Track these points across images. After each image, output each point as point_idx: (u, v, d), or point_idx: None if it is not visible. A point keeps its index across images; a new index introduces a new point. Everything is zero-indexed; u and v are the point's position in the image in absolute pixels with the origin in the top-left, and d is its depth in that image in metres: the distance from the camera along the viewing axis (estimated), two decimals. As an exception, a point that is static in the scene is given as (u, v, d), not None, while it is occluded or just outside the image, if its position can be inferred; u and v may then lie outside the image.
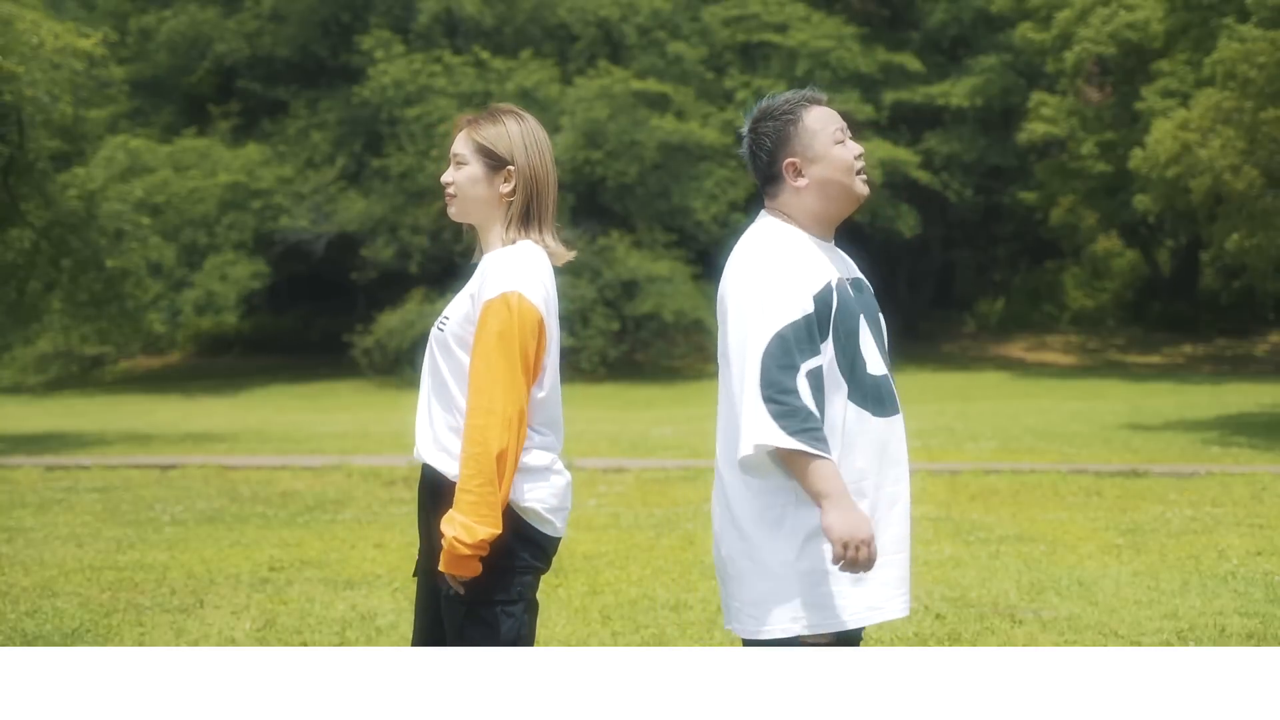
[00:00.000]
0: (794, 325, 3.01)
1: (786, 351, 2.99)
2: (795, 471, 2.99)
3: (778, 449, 2.97)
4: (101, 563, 7.86)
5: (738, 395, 3.04)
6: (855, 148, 3.20)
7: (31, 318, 19.93)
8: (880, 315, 3.28)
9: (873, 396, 3.12)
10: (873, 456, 3.11)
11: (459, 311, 3.18)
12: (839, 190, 3.17)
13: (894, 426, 3.17)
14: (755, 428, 2.97)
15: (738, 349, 3.06)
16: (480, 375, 3.07)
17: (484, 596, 3.08)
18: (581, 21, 30.74)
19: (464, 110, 28.97)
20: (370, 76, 29.90)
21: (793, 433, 2.94)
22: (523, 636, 3.13)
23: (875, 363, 3.15)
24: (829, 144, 3.16)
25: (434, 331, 3.24)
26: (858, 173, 3.18)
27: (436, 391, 3.21)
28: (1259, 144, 16.69)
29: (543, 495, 3.14)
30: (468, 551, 3.00)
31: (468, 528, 3.00)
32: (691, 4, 31.27)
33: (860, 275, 3.29)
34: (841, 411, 3.07)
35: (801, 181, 3.16)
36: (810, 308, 3.04)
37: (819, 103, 3.22)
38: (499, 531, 3.04)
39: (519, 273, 3.13)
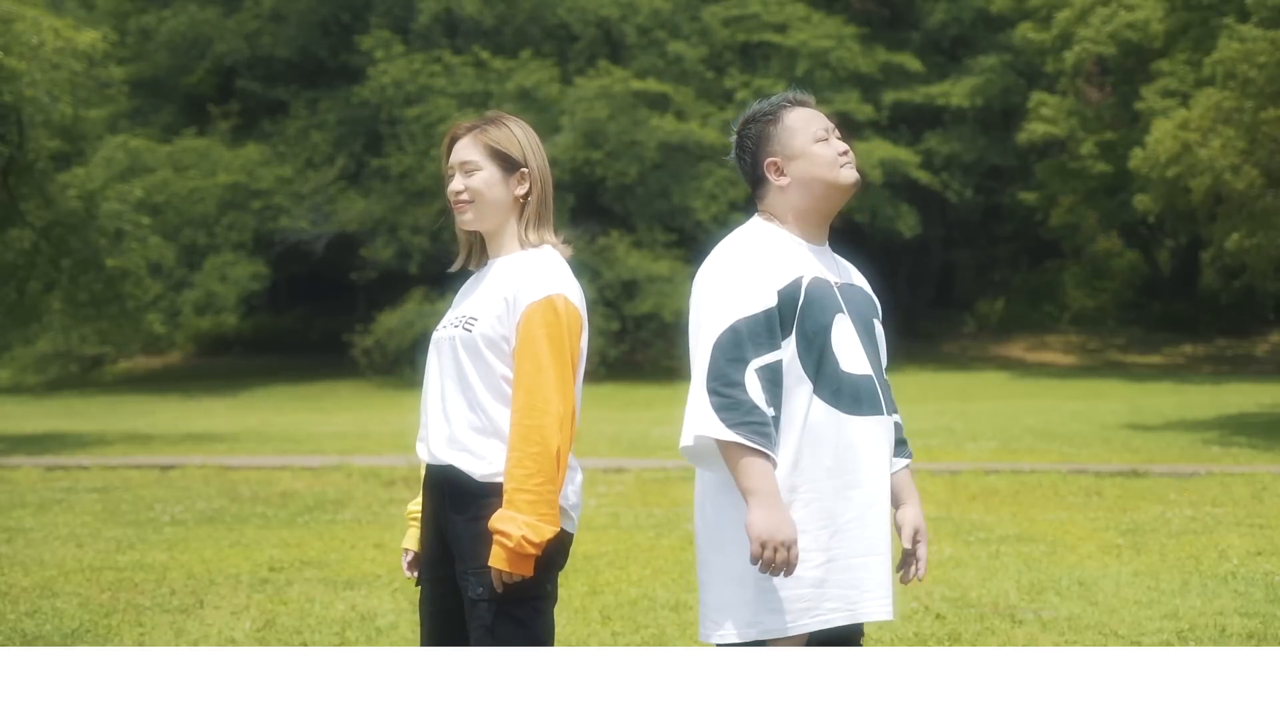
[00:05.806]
0: (751, 319, 2.98)
1: (738, 345, 2.96)
2: (730, 465, 2.96)
3: (718, 442, 2.95)
4: (101, 563, 7.86)
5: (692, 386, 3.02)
6: (839, 145, 3.16)
7: (31, 318, 19.93)
8: (876, 322, 3.22)
9: (847, 394, 3.06)
10: (842, 454, 3.05)
11: (490, 312, 3.15)
12: (823, 187, 3.14)
13: (873, 426, 3.10)
14: (696, 418, 2.96)
15: (693, 341, 3.05)
16: (531, 376, 3.07)
17: (518, 594, 3.08)
18: (581, 21, 30.73)
19: (465, 110, 28.98)
20: (370, 76, 29.91)
21: (732, 425, 2.91)
22: (549, 632, 3.16)
23: (853, 360, 3.08)
24: (809, 141, 3.14)
25: (457, 332, 3.18)
26: (842, 167, 3.14)
27: (456, 392, 3.16)
28: (1259, 144, 16.68)
29: (567, 492, 3.16)
30: (535, 551, 3.02)
31: (534, 527, 3.01)
32: (691, 4, 31.26)
33: (857, 282, 3.25)
34: (804, 407, 3.03)
35: (783, 180, 3.15)
36: (772, 301, 3.01)
37: (803, 104, 3.20)
38: (559, 529, 3.07)
39: (559, 276, 3.16)
